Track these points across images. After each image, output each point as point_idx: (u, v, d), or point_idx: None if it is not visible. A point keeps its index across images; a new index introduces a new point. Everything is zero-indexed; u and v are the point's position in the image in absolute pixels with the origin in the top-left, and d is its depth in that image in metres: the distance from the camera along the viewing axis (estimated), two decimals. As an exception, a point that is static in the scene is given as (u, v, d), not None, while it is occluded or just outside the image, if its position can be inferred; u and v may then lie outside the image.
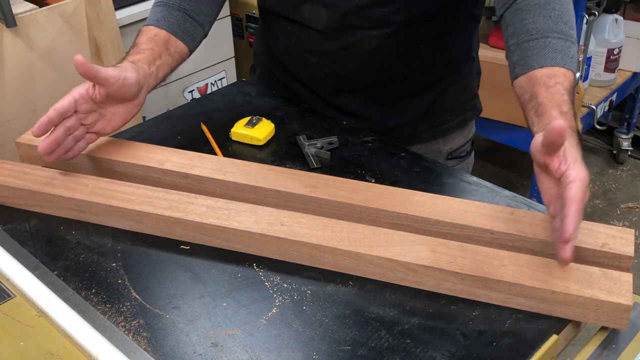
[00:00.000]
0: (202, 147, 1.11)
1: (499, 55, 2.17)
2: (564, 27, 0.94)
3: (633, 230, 0.86)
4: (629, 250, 0.83)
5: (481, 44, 2.24)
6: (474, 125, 1.33)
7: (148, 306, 0.82)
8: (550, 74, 0.91)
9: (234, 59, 2.45)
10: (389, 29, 1.10)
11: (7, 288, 0.86)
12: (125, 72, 0.98)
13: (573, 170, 0.78)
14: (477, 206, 0.91)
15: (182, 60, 1.14)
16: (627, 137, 2.78)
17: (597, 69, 2.40)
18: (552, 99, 0.88)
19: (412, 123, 1.22)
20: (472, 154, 1.35)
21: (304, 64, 1.20)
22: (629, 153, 2.82)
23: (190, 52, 1.15)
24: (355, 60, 1.13)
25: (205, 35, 1.20)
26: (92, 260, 0.90)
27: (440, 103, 1.22)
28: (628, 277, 0.79)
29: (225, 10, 2.33)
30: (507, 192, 1.01)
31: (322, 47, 1.15)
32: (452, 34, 1.15)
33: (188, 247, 0.92)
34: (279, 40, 1.23)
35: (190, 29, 1.13)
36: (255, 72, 1.38)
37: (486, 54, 2.19)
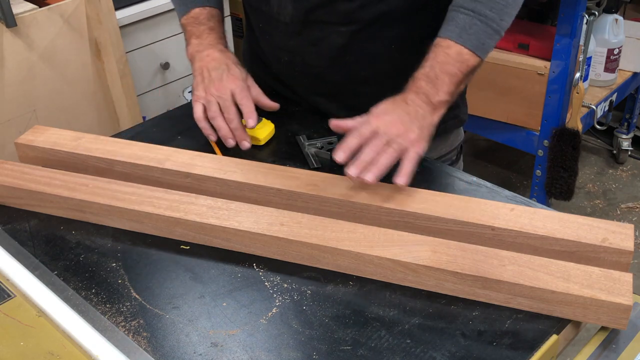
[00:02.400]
0: (202, 147, 1.11)
1: (499, 55, 2.17)
2: (480, 6, 0.99)
3: (632, 226, 0.86)
4: (629, 245, 0.83)
5: (481, 44, 2.25)
6: (462, 133, 1.31)
7: (148, 306, 0.82)
8: (436, 43, 1.01)
9: (233, 59, 2.45)
10: (355, 26, 1.09)
11: (7, 288, 0.86)
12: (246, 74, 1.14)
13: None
14: (478, 203, 0.91)
15: None
16: (627, 137, 2.78)
17: (597, 69, 2.40)
18: (423, 66, 1.00)
19: None
20: (460, 160, 1.33)
21: (278, 61, 1.21)
22: (629, 153, 2.82)
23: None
24: (323, 58, 1.13)
25: None
26: (92, 260, 0.90)
27: None
28: (628, 277, 0.79)
29: (225, 10, 2.33)
30: (507, 192, 1.01)
31: (291, 42, 1.16)
32: (426, 37, 1.09)
33: (188, 247, 0.92)
34: (258, 38, 1.26)
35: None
36: None
37: (486, 54, 2.19)
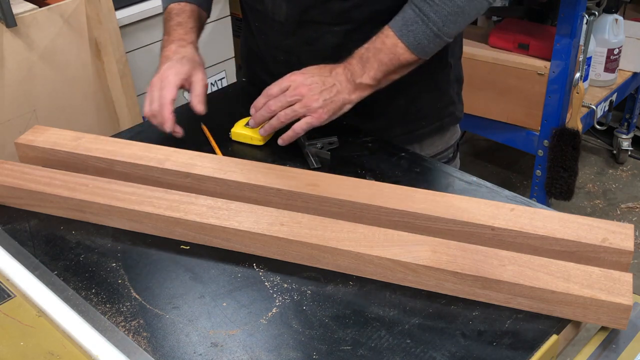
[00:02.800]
0: (202, 147, 1.11)
1: (499, 55, 2.17)
2: (427, 7, 1.01)
3: (632, 226, 0.86)
4: (628, 245, 0.83)
5: (481, 44, 2.26)
6: (458, 131, 1.32)
7: (148, 306, 0.82)
8: (383, 29, 1.05)
9: (234, 59, 2.45)
10: (350, 26, 1.10)
11: (7, 288, 0.85)
12: (199, 66, 1.15)
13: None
14: (478, 203, 0.91)
15: (204, 25, 1.29)
16: (627, 137, 2.78)
17: (597, 69, 2.40)
18: (363, 46, 1.05)
19: (385, 128, 1.21)
20: (457, 158, 1.35)
21: (275, 60, 1.22)
22: (629, 153, 2.82)
23: (208, 17, 1.30)
24: (319, 57, 1.13)
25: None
26: (92, 260, 0.90)
27: (414, 109, 1.22)
28: (628, 277, 0.79)
29: (225, 10, 2.33)
30: (507, 192, 1.01)
31: (287, 41, 1.17)
32: None
33: (188, 247, 0.92)
34: (255, 37, 1.26)
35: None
36: (241, 72, 1.42)
37: (486, 54, 2.19)
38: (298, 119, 1.04)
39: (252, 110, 1.08)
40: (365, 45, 1.05)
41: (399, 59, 1.04)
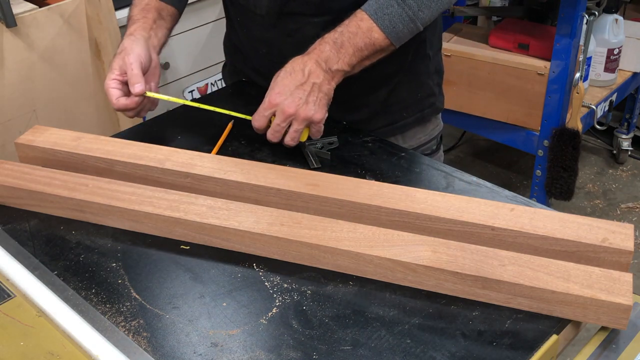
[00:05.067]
0: (202, 147, 1.11)
1: (499, 55, 2.17)
2: None
3: (632, 226, 0.86)
4: (629, 245, 0.83)
5: (481, 44, 2.26)
6: (440, 123, 1.34)
7: (148, 306, 0.82)
8: (355, 13, 1.04)
9: (234, 59, 2.45)
10: (329, 16, 1.11)
11: (7, 288, 0.86)
12: (139, 58, 1.09)
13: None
14: (478, 203, 0.91)
15: (176, 21, 1.25)
16: (627, 137, 2.78)
17: (597, 69, 2.40)
18: (334, 30, 1.04)
19: (367, 119, 1.23)
20: (441, 151, 1.37)
21: (257, 53, 1.23)
22: (629, 153, 2.82)
23: (180, 12, 1.25)
24: (299, 49, 1.13)
25: None
26: (92, 260, 0.90)
27: (394, 99, 1.23)
28: (628, 277, 0.79)
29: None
30: (507, 192, 1.01)
31: (268, 34, 1.18)
32: None
33: (188, 247, 0.92)
34: (237, 31, 1.27)
35: None
36: (226, 68, 1.43)
37: (486, 54, 2.19)
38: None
39: (268, 136, 1.06)
40: (339, 29, 1.04)
41: (374, 44, 1.03)
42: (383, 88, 1.22)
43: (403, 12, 1.02)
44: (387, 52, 1.07)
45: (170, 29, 1.23)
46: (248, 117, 1.09)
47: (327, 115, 1.04)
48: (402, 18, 1.03)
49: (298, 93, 1.02)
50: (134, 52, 1.09)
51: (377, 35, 1.03)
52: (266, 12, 1.15)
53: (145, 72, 1.11)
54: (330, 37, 1.04)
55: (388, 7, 1.02)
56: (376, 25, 1.03)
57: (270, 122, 1.06)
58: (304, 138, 1.07)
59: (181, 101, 1.17)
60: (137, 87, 1.07)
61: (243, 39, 1.27)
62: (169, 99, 1.14)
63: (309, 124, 1.03)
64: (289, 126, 1.04)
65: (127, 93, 1.10)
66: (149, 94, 1.10)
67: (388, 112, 1.24)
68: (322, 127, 1.05)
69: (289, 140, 1.04)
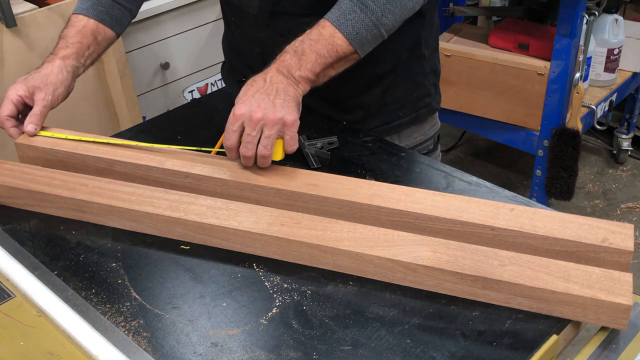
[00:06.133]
0: (202, 147, 1.11)
1: (499, 55, 2.17)
2: None
3: (632, 226, 0.86)
4: (629, 245, 0.83)
5: (481, 44, 2.26)
6: (437, 122, 1.33)
7: (148, 306, 0.82)
8: (318, 22, 1.03)
9: (233, 59, 2.45)
10: (320, 17, 1.09)
11: (7, 288, 0.86)
12: (47, 86, 1.08)
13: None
14: (478, 203, 0.91)
15: (109, 45, 1.22)
16: (627, 137, 2.78)
17: (597, 69, 2.40)
18: (295, 39, 1.02)
19: (363, 119, 1.23)
20: (438, 150, 1.36)
21: (251, 53, 1.23)
22: (629, 153, 2.82)
23: (118, 36, 1.23)
24: None
25: (132, 18, 1.26)
26: (92, 260, 0.90)
27: (390, 99, 1.23)
28: (628, 277, 0.79)
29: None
30: (507, 192, 1.01)
31: (261, 34, 1.18)
32: None
33: (188, 247, 0.92)
34: (232, 31, 1.27)
35: (118, 15, 1.20)
36: (225, 67, 1.43)
37: (486, 54, 2.19)
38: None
39: (231, 155, 0.99)
40: (299, 39, 1.02)
41: (337, 51, 1.01)
42: (377, 88, 1.22)
43: (366, 17, 1.01)
44: (351, 62, 1.04)
45: (101, 55, 1.21)
46: (219, 148, 1.02)
47: (298, 121, 0.97)
48: (365, 24, 1.01)
49: (262, 98, 0.96)
50: (46, 90, 1.08)
51: (340, 42, 1.01)
52: (258, 11, 1.16)
53: (52, 107, 1.09)
54: (290, 47, 1.02)
55: (350, 13, 1.01)
56: (339, 32, 1.01)
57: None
58: (277, 155, 0.97)
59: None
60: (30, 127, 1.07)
61: (238, 39, 1.27)
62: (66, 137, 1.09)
63: (281, 129, 0.95)
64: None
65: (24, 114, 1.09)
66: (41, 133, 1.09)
67: (384, 111, 1.24)
68: (296, 134, 0.96)
69: (262, 149, 0.95)
